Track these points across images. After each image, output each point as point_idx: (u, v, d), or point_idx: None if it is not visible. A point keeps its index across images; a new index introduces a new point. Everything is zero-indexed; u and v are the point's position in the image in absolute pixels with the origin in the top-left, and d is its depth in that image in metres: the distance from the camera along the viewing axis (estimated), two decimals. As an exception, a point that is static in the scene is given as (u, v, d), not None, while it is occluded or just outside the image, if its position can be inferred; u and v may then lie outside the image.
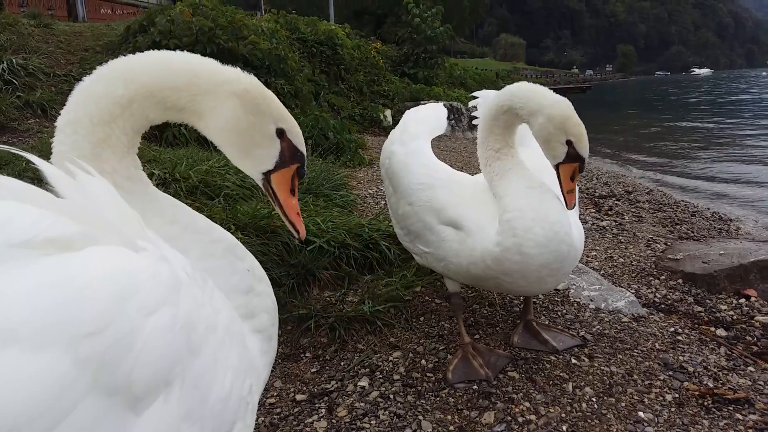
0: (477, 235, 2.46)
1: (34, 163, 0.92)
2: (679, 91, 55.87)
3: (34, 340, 0.70)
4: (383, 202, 6.11)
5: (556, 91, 2.50)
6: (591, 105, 37.78)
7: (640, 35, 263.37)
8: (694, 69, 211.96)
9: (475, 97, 3.16)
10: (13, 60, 7.52)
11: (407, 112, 3.13)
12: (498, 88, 3.15)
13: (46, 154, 4.16)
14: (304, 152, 1.57)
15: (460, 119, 14.39)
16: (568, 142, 2.27)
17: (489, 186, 2.51)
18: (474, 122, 3.25)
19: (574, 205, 2.46)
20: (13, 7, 18.27)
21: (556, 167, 2.36)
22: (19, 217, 0.79)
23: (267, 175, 1.53)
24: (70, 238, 0.83)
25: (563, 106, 2.26)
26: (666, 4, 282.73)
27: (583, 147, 2.30)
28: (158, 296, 0.90)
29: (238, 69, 1.47)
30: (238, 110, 1.43)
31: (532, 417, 2.39)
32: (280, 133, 1.51)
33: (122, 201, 1.04)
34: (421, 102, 14.71)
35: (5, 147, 0.96)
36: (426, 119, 3.04)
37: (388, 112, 13.79)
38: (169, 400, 0.91)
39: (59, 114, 1.37)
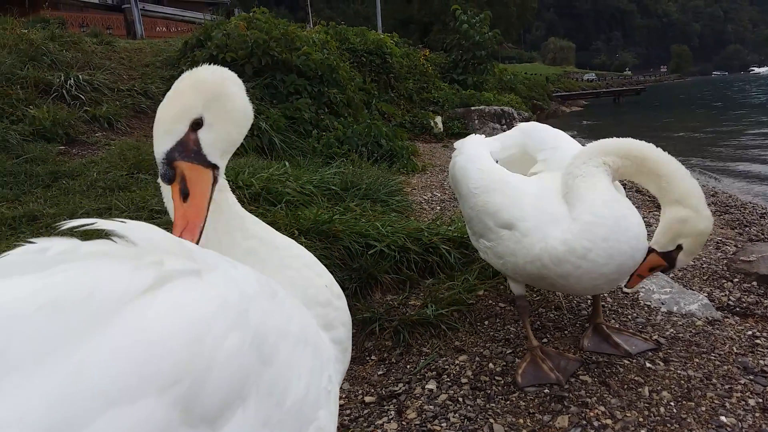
0: (535, 234, 2.44)
1: (101, 227, 1.00)
2: (739, 91, 53.86)
3: (127, 397, 0.76)
4: (438, 208, 6.11)
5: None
6: (647, 107, 36.79)
7: (695, 34, 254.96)
8: (753, 68, 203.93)
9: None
10: (80, 76, 7.85)
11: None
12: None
13: (115, 165, 4.30)
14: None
15: (512, 124, 14.24)
16: (679, 247, 2.36)
17: (565, 183, 2.46)
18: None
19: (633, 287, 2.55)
20: (74, 27, 19.12)
21: (650, 249, 2.41)
22: (105, 279, 0.86)
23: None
24: (151, 282, 0.89)
25: (709, 224, 2.31)
26: (721, 2, 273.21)
27: (683, 263, 2.41)
28: (228, 323, 0.96)
29: None
30: None
31: (608, 421, 2.33)
32: None
33: (173, 236, 1.12)
34: (472, 107, 14.64)
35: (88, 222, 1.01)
36: (483, 138, 3.21)
37: (438, 119, 13.75)
38: (247, 410, 0.96)
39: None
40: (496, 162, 3.04)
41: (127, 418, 0.75)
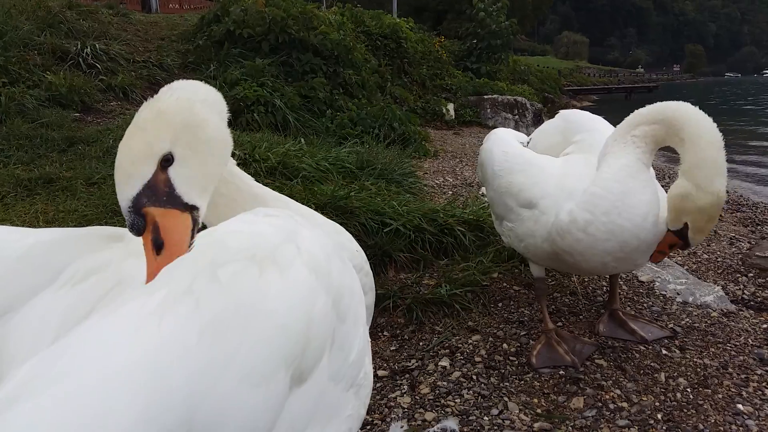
0: (551, 210, 2.44)
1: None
2: (754, 93, 53.33)
3: (262, 377, 0.88)
4: (450, 192, 6.10)
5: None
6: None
7: (710, 34, 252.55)
8: (766, 71, 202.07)
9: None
10: (96, 45, 7.82)
11: None
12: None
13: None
14: None
15: (524, 114, 14.16)
16: (686, 225, 2.21)
17: (598, 161, 2.41)
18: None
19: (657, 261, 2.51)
20: (87, 1, 19.03)
21: (667, 229, 2.32)
22: (243, 293, 0.93)
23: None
24: (277, 277, 0.97)
25: (712, 200, 2.11)
26: (738, 3, 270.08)
27: (696, 241, 2.27)
28: (321, 288, 1.03)
29: None
30: None
31: (624, 404, 2.33)
32: None
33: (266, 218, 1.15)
34: (485, 96, 14.54)
35: None
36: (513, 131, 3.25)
37: (450, 106, 13.66)
38: (323, 366, 1.03)
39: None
40: (526, 146, 3.02)
41: (265, 395, 0.88)
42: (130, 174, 1.13)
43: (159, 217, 1.12)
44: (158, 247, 1.10)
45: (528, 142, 3.18)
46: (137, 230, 1.12)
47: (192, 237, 1.15)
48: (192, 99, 1.23)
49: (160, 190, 1.14)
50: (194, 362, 0.81)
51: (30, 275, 1.12)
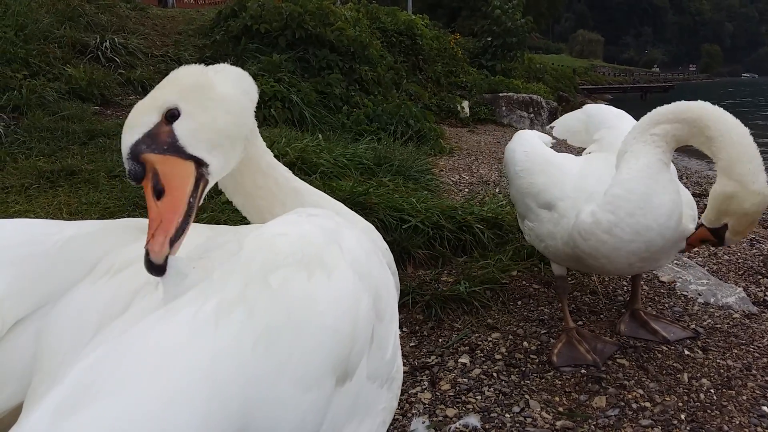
0: (571, 213, 2.43)
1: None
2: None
3: (314, 380, 0.90)
4: (466, 190, 6.09)
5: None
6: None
7: (727, 34, 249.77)
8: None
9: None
10: (115, 39, 7.88)
11: None
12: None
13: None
14: None
15: (540, 113, 14.10)
16: (726, 225, 2.17)
17: (617, 160, 2.39)
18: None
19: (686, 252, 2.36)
20: (106, -6, 19.13)
21: (700, 224, 2.28)
22: (295, 298, 0.94)
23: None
24: (325, 282, 0.98)
25: (759, 201, 2.05)
26: (756, 3, 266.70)
27: (732, 242, 2.23)
28: (363, 287, 1.03)
29: None
30: None
31: (647, 404, 2.32)
32: None
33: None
34: (500, 94, 14.48)
35: None
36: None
37: (465, 104, 13.61)
38: (362, 365, 1.03)
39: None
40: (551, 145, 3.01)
41: (315, 397, 0.90)
42: (133, 125, 1.10)
43: (158, 164, 1.08)
44: (158, 193, 1.06)
45: (552, 129, 3.19)
46: (134, 177, 1.08)
47: (197, 190, 1.10)
48: (207, 67, 1.22)
49: (161, 139, 1.10)
50: (250, 370, 0.83)
51: (68, 268, 1.13)
